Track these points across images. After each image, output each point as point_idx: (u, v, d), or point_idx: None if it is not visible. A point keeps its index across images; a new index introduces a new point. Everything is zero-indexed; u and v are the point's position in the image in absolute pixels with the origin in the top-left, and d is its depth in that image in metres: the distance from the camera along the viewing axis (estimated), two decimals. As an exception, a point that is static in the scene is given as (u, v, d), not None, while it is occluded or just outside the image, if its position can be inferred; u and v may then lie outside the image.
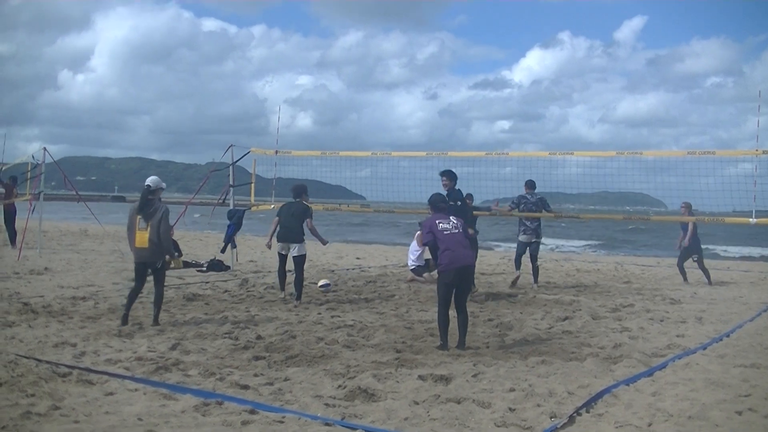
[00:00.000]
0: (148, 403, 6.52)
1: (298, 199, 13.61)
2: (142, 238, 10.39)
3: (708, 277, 18.13)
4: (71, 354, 8.37)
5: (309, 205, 13.74)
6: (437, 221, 9.72)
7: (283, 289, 13.47)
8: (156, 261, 10.52)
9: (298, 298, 13.00)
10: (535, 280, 16.59)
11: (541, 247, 17.51)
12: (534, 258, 16.63)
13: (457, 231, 9.70)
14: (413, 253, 17.43)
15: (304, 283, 13.60)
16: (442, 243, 9.57)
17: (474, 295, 13.76)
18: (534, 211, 16.29)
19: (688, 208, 17.65)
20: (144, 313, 11.13)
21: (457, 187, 13.80)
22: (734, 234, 55.90)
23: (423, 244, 10.03)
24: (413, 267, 17.31)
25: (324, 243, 14.11)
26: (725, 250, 42.42)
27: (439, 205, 10.17)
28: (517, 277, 16.58)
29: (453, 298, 9.58)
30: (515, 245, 17.46)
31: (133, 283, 10.86)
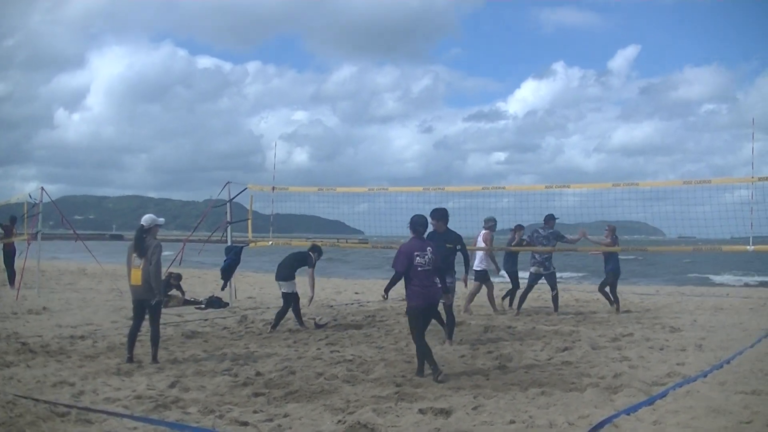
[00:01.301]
0: (148, 442, 6.50)
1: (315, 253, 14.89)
2: (137, 275, 10.47)
3: (612, 303, 17.88)
4: (70, 393, 8.34)
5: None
6: (415, 253, 9.78)
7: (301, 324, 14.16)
8: (150, 298, 10.52)
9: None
10: (555, 309, 17.48)
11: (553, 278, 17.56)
12: (552, 287, 17.40)
13: (429, 268, 9.82)
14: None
15: (303, 318, 13.77)
16: (415, 278, 9.77)
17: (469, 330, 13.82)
18: (545, 244, 16.84)
19: (611, 231, 17.79)
20: (143, 351, 11.11)
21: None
22: (732, 261, 55.94)
23: (395, 267, 9.89)
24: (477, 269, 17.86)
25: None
26: (721, 278, 42.36)
27: (418, 229, 10.16)
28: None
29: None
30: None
31: (132, 321, 10.88)
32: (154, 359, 10.48)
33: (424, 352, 9.64)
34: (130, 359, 10.36)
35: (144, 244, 10.52)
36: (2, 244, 22.33)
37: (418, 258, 9.71)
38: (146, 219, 10.78)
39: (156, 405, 7.83)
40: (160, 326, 10.84)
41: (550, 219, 17.07)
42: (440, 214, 12.38)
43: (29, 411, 7.36)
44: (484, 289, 17.90)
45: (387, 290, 10.08)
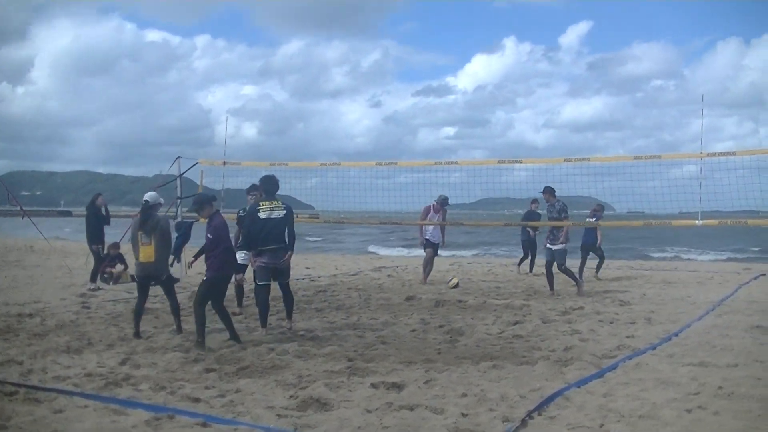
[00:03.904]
0: (99, 420, 6.42)
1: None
2: (147, 252, 10.66)
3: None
4: (18, 372, 8.20)
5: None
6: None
7: (240, 305, 13.40)
8: (161, 274, 10.83)
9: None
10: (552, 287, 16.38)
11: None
12: (559, 265, 16.09)
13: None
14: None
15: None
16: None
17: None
18: (556, 219, 15.84)
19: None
20: (92, 328, 11.01)
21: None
22: (681, 236, 56.69)
23: (212, 248, 10.18)
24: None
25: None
26: (669, 252, 42.88)
27: (211, 202, 10.61)
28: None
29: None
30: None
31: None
32: (179, 329, 10.84)
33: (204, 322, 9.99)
34: (137, 334, 10.50)
35: (152, 220, 10.67)
36: None
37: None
38: (151, 196, 10.96)
39: (107, 382, 7.74)
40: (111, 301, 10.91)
41: (550, 191, 16.06)
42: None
43: (-24, 390, 7.27)
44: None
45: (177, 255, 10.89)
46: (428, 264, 18.37)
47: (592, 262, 19.81)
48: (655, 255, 40.94)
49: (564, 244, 15.73)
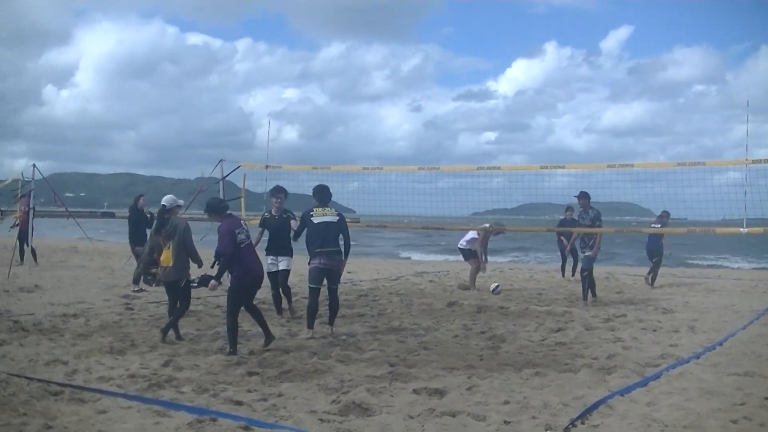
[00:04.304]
0: (142, 421, 6.48)
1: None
2: (166, 256, 10.65)
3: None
4: (63, 372, 8.31)
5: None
6: (236, 230, 9.89)
7: (279, 312, 13.24)
8: (180, 279, 10.72)
9: (291, 310, 13.23)
10: (585, 296, 15.75)
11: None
12: (582, 270, 15.89)
13: (249, 241, 10.10)
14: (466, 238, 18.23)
15: (295, 297, 13.67)
16: (240, 255, 9.86)
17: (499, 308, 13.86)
18: (589, 226, 15.51)
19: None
20: (135, 330, 11.11)
21: None
22: (725, 243, 56.05)
23: (220, 254, 10.04)
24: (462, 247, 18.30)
25: None
26: (713, 260, 42.40)
27: (220, 210, 10.30)
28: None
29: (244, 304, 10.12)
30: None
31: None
32: (176, 335, 10.65)
33: (233, 331, 9.79)
34: (178, 337, 10.58)
35: (168, 224, 10.68)
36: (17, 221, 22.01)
37: (240, 236, 9.89)
38: (168, 199, 10.96)
39: (150, 384, 7.81)
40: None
41: (586, 196, 15.74)
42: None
43: (22, 390, 7.34)
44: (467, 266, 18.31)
45: (219, 278, 10.07)
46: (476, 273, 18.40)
47: (640, 266, 19.67)
48: (698, 262, 40.51)
49: (595, 252, 15.52)
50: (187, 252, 10.75)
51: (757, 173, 14.47)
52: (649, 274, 19.90)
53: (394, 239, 62.18)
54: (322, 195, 11.65)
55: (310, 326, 11.19)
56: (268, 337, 10.07)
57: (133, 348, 9.84)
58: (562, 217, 20.40)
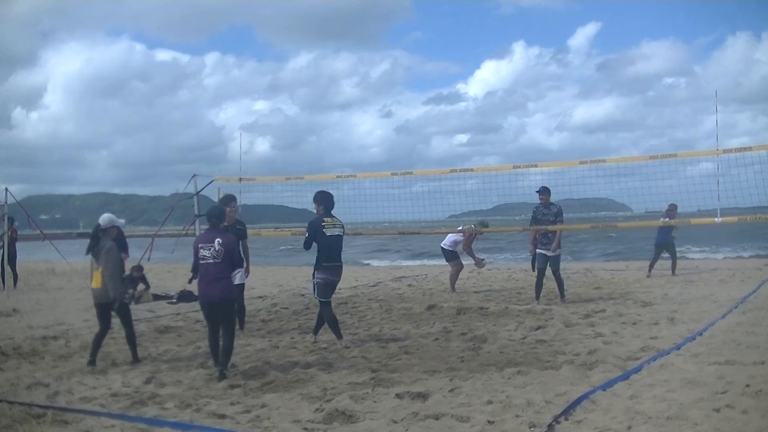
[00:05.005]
0: (126, 439, 6.46)
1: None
2: (97, 278, 10.05)
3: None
4: (45, 394, 8.25)
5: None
6: (200, 245, 9.34)
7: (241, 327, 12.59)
8: (111, 301, 10.00)
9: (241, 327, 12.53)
10: (562, 295, 15.58)
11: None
12: (554, 271, 15.44)
13: (214, 261, 9.22)
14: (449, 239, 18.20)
15: (276, 308, 13.61)
16: (200, 273, 9.40)
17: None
18: (552, 222, 15.25)
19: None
20: (116, 348, 11.03)
21: None
22: (700, 234, 56.38)
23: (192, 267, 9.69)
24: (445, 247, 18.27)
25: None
26: (689, 251, 42.60)
27: (211, 220, 9.68)
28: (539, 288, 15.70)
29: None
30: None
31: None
32: (135, 359, 10.20)
33: (213, 347, 9.44)
34: (92, 362, 9.87)
35: (98, 245, 10.07)
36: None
37: (202, 251, 9.26)
38: (104, 219, 10.34)
39: (132, 402, 7.78)
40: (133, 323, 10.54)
41: (547, 192, 15.61)
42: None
43: (4, 414, 7.31)
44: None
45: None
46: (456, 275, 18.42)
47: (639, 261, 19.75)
48: (683, 252, 40.65)
49: (558, 250, 15.39)
50: (108, 275, 9.93)
51: (728, 163, 14.60)
52: (651, 265, 21.09)
53: (370, 244, 61.99)
54: (329, 203, 11.39)
55: (339, 336, 11.06)
56: (220, 370, 9.07)
57: (114, 367, 9.79)
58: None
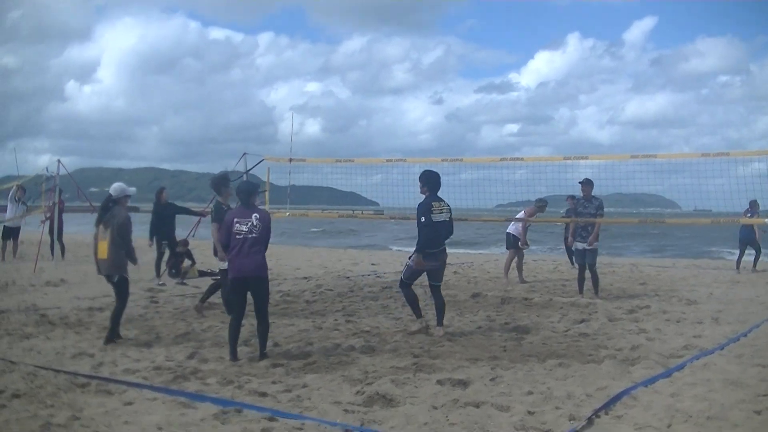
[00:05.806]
0: (167, 412, 6.54)
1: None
2: (102, 248, 9.85)
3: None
4: (89, 364, 8.42)
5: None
6: (236, 219, 9.01)
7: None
8: (113, 274, 9.91)
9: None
10: (597, 291, 15.28)
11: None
12: (590, 265, 15.20)
13: (251, 235, 8.94)
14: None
15: (320, 289, 13.63)
16: (233, 247, 8.99)
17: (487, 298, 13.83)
18: (592, 216, 14.98)
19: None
20: (161, 323, 11.16)
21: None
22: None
23: (219, 241, 9.46)
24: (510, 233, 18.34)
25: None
26: (734, 251, 42.07)
27: (241, 195, 9.37)
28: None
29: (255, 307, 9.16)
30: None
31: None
32: (110, 337, 9.76)
33: (233, 335, 9.03)
34: (111, 338, 9.75)
35: (110, 213, 9.91)
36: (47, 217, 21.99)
37: (237, 225, 8.95)
38: (115, 188, 10.16)
39: (175, 376, 7.89)
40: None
41: (590, 184, 15.24)
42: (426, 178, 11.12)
43: (49, 382, 7.45)
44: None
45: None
46: (510, 262, 18.34)
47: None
48: (723, 254, 40.26)
49: (596, 243, 15.14)
50: (122, 246, 9.85)
51: (781, 164, 14.41)
52: (738, 261, 21.95)
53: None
54: (437, 184, 10.86)
55: (420, 315, 10.96)
56: (261, 352, 9.03)
57: (159, 341, 9.93)
58: (567, 207, 20.12)
